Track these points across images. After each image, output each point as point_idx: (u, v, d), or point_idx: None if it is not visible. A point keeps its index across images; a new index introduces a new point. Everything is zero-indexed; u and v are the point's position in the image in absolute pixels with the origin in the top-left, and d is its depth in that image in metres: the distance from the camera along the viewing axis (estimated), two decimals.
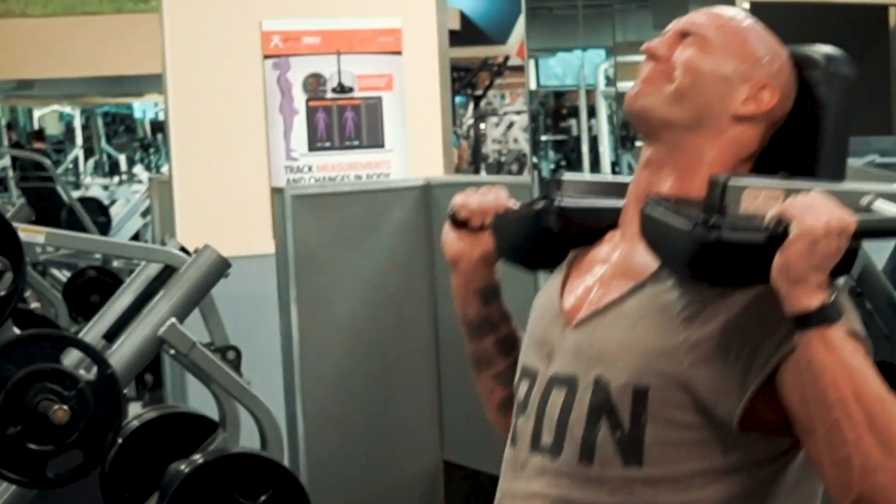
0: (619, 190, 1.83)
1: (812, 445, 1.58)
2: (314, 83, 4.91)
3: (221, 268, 3.59)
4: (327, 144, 4.97)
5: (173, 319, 3.49)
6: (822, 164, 1.70)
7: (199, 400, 3.94)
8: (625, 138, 9.92)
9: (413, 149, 5.01)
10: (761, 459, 1.65)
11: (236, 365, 3.64)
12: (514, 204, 1.90)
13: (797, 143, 1.73)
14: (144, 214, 8.64)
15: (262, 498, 3.52)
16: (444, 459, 4.39)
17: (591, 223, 1.82)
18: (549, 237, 1.83)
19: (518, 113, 11.06)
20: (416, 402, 4.37)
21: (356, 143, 5.01)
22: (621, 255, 1.76)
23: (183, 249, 3.69)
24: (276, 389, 4.15)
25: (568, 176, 1.89)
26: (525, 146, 10.91)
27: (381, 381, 4.33)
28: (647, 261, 1.69)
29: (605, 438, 1.66)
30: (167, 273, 3.62)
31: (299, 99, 4.90)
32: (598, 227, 1.82)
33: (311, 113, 4.93)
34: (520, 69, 11.07)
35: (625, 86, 9.40)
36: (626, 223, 1.78)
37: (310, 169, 4.95)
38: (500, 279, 1.94)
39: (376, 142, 5.02)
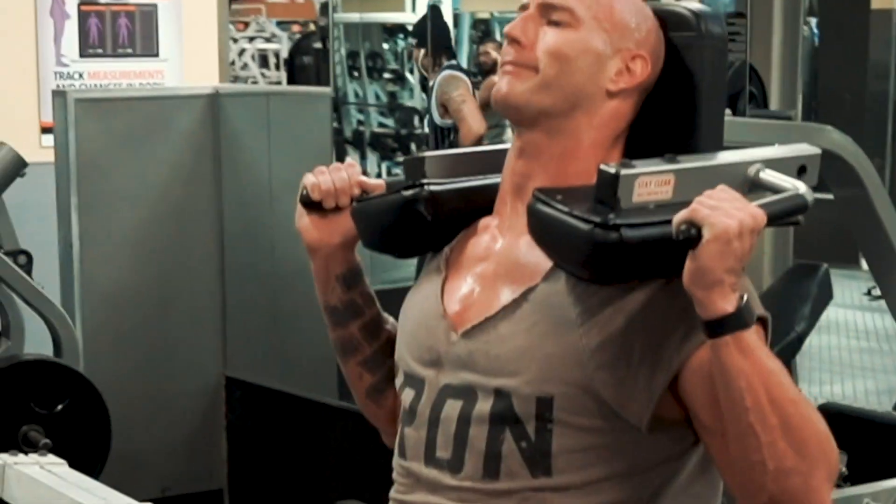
0: (487, 161, 1.76)
1: (719, 446, 1.54)
2: None
3: (18, 166, 3.43)
4: (100, 51, 4.80)
5: None
6: (699, 130, 1.64)
7: None
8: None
9: (189, 58, 4.88)
10: (670, 456, 1.61)
11: (28, 270, 3.50)
12: (368, 181, 1.78)
13: (671, 107, 1.65)
14: None
15: (59, 407, 3.39)
16: (225, 375, 4.33)
17: (463, 205, 1.73)
18: (421, 225, 1.72)
19: (251, 40, 10.85)
20: (199, 316, 4.28)
21: (129, 50, 4.85)
22: (504, 250, 1.68)
23: None
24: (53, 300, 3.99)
25: (429, 153, 1.79)
26: (256, 72, 10.74)
27: (163, 295, 4.22)
28: (535, 259, 1.62)
29: (511, 450, 1.59)
30: None
31: (71, 3, 4.72)
32: (471, 208, 1.74)
33: (83, 18, 4.75)
34: None
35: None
36: (504, 214, 1.69)
37: (81, 76, 4.77)
38: (360, 260, 1.82)
39: (150, 50, 4.87)
